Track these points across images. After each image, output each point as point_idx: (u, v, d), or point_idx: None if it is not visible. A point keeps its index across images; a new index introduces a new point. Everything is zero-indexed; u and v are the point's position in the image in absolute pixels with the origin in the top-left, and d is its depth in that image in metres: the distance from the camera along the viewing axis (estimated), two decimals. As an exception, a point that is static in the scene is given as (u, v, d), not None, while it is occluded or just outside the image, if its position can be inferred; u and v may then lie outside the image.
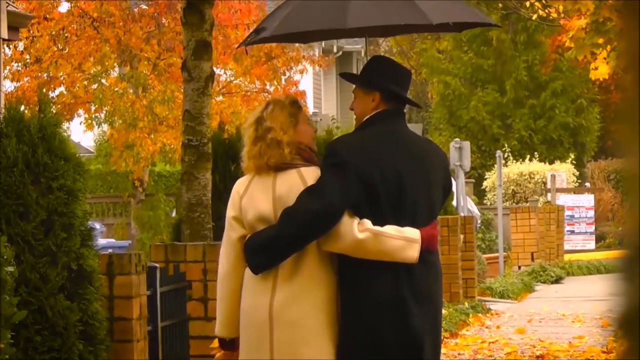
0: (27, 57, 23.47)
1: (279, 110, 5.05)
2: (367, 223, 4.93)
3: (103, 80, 23.86)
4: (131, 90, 23.62)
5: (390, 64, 5.44)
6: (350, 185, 4.93)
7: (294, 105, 5.15)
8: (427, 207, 5.11)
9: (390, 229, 4.95)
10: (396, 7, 5.74)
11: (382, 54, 47.86)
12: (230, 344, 5.12)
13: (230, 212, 5.04)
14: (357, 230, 4.91)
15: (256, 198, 4.97)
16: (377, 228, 4.93)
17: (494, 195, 30.61)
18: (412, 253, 4.96)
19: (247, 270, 5.00)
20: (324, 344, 4.94)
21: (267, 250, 4.91)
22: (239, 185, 5.08)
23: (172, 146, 23.13)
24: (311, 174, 4.96)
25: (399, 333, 4.99)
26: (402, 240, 4.95)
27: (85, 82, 23.75)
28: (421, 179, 5.10)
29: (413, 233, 4.98)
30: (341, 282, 5.01)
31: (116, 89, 23.42)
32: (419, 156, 5.15)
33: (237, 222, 5.00)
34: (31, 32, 22.47)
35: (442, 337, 5.47)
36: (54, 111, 6.48)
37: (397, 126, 5.18)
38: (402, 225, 4.99)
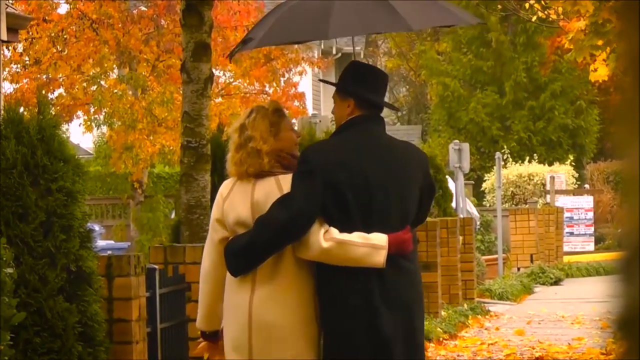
0: (26, 58, 23.47)
1: (260, 119, 5.18)
2: (333, 232, 5.03)
3: (102, 82, 23.85)
4: (130, 92, 23.62)
5: (366, 70, 5.53)
6: (318, 192, 5.02)
7: (276, 113, 5.27)
8: (400, 211, 5.16)
9: (355, 237, 5.03)
10: (376, 15, 5.76)
11: (381, 55, 47.93)
12: (212, 336, 5.33)
13: (214, 213, 5.25)
14: (322, 239, 5.01)
15: (236, 203, 5.14)
16: (342, 237, 5.02)
17: (493, 196, 30.60)
18: (378, 259, 5.04)
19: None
20: (301, 343, 5.07)
21: (244, 254, 5.05)
22: (223, 188, 5.26)
23: (171, 148, 23.12)
24: (288, 182, 5.10)
25: (369, 339, 5.07)
26: (367, 248, 5.04)
27: (85, 84, 23.75)
28: (393, 183, 5.15)
29: (379, 239, 5.05)
30: (317, 285, 5.12)
31: (115, 90, 23.41)
32: (392, 160, 5.20)
33: (220, 224, 5.19)
34: (30, 33, 22.46)
35: (423, 342, 5.48)
36: (53, 113, 6.48)
37: (370, 131, 5.24)
38: (371, 230, 5.06)
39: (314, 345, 5.10)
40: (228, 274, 5.14)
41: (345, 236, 5.03)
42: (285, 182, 5.09)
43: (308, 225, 5.00)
